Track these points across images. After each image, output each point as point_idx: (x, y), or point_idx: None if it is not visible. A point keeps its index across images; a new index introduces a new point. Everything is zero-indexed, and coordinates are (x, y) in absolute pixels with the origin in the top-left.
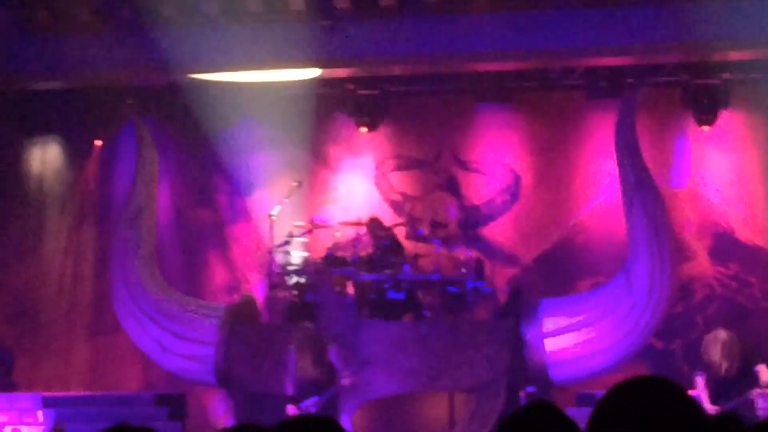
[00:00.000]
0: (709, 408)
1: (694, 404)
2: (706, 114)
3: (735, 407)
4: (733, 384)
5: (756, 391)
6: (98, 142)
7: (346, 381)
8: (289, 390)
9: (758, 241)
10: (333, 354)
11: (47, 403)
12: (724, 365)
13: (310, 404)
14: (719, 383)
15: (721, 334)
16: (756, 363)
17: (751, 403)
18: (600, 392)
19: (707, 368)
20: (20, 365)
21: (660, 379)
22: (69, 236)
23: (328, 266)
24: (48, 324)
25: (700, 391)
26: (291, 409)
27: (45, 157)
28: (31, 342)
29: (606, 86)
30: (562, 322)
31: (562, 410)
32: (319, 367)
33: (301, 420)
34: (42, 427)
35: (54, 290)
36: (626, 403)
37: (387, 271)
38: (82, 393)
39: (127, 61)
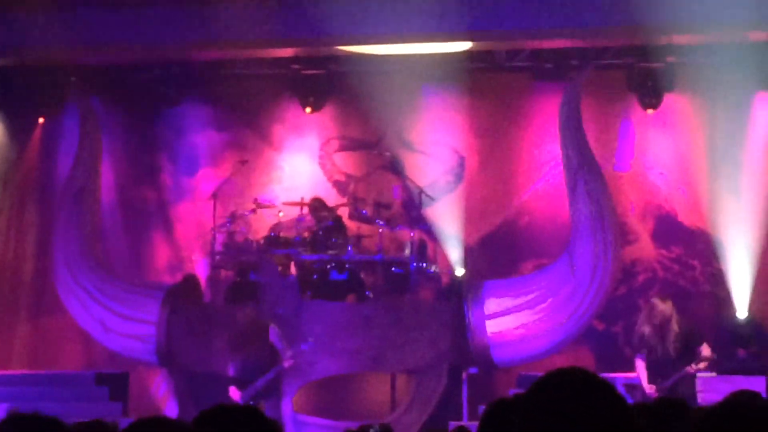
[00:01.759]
0: (647, 388)
1: (617, 398)
2: (651, 97)
3: (674, 385)
4: (673, 363)
5: (692, 367)
6: (41, 120)
7: (288, 362)
8: (231, 371)
9: (701, 224)
10: (274, 335)
11: None
12: (653, 330)
13: (254, 386)
14: (660, 363)
15: (656, 305)
16: (698, 344)
17: (689, 379)
18: (542, 374)
19: (640, 342)
20: None
21: (583, 371)
22: (10, 214)
23: (271, 246)
24: None
25: (639, 372)
26: (233, 391)
27: None
28: None
29: (551, 68)
30: (505, 303)
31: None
32: (261, 348)
33: (223, 410)
34: None
35: None
36: (550, 399)
37: (330, 252)
38: (23, 372)
39: (72, 39)
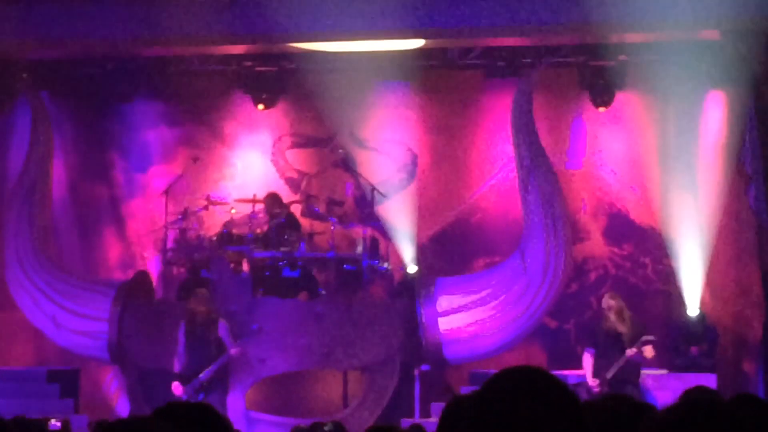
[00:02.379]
0: (590, 381)
1: (569, 395)
2: (602, 95)
3: (616, 373)
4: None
5: (631, 351)
6: None
7: (234, 350)
8: (176, 366)
9: (652, 222)
10: (222, 329)
11: None
12: (621, 328)
13: (198, 380)
14: (607, 357)
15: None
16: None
17: (633, 366)
18: (494, 371)
19: (591, 336)
20: None
21: (535, 369)
22: None
23: (224, 243)
24: None
25: (585, 366)
26: (175, 386)
27: None
28: None
29: (504, 66)
30: (457, 300)
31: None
32: (207, 343)
33: (176, 406)
34: None
35: None
36: (501, 398)
37: (282, 249)
38: None
39: (23, 34)
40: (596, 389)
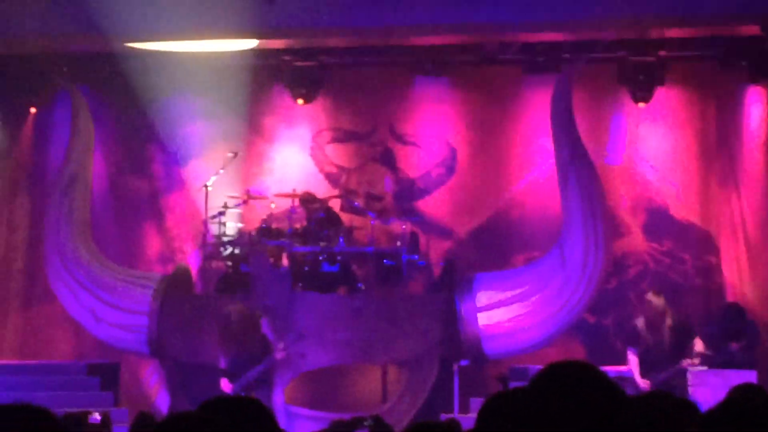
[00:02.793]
0: (640, 382)
1: (616, 389)
2: (642, 91)
3: (667, 379)
4: (667, 357)
5: (686, 362)
6: (33, 110)
7: (279, 354)
8: (222, 363)
9: (692, 218)
10: (266, 326)
11: None
12: (664, 327)
13: (245, 378)
14: (653, 357)
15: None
16: (691, 338)
17: (683, 374)
18: (533, 366)
19: (633, 336)
20: None
21: (584, 364)
22: (2, 204)
23: (263, 238)
24: None
25: (632, 366)
26: (224, 383)
27: None
28: None
29: (543, 61)
30: (496, 296)
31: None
32: (253, 340)
33: (225, 401)
34: None
35: None
36: (552, 389)
37: (322, 244)
38: (14, 361)
39: (63, 28)
40: (647, 389)
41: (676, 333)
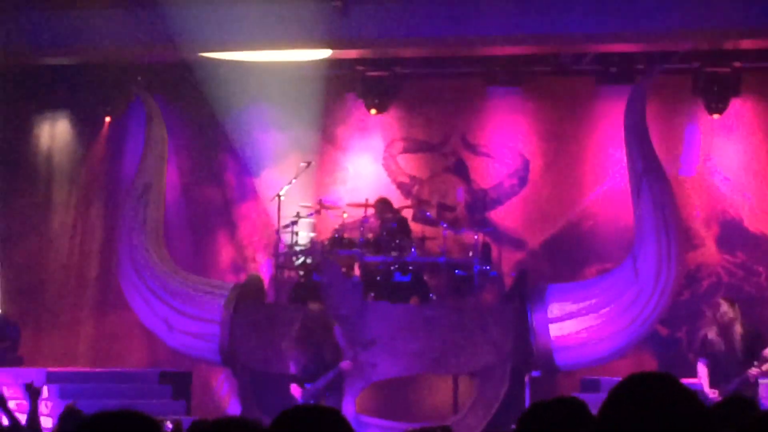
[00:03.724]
0: (709, 392)
1: (698, 402)
2: (717, 102)
3: (736, 388)
4: (738, 367)
5: (754, 370)
6: (107, 119)
7: (345, 365)
8: (293, 370)
9: (766, 230)
10: (338, 334)
11: (52, 379)
12: (735, 337)
13: (315, 385)
14: (723, 366)
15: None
16: (763, 347)
17: (751, 383)
18: (605, 378)
19: (704, 345)
20: (27, 340)
21: (664, 375)
22: (76, 212)
23: (335, 247)
24: (55, 299)
25: (701, 377)
26: (295, 390)
27: (54, 133)
28: (38, 317)
29: (616, 72)
30: (569, 307)
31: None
32: (325, 347)
33: (304, 410)
34: (49, 403)
35: (61, 266)
36: (631, 402)
37: (394, 254)
38: (87, 369)
39: (138, 38)
40: (717, 400)
41: (747, 341)
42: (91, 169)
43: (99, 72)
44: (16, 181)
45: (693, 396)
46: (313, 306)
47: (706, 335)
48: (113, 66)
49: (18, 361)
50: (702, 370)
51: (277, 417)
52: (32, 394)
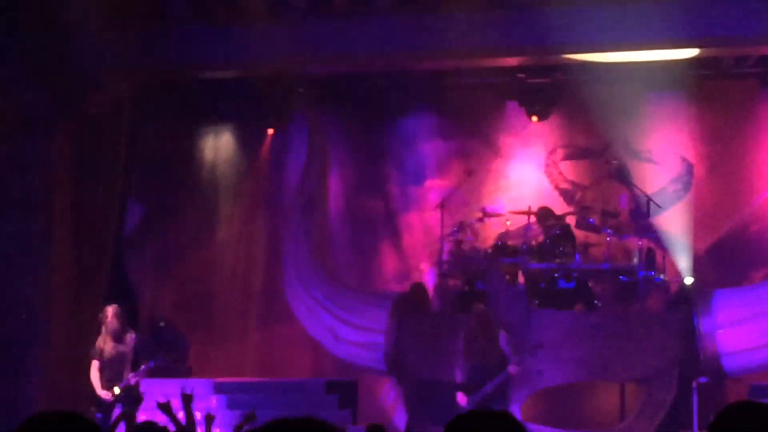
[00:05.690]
0: None
1: None
2: None
3: None
4: None
5: None
6: (270, 131)
7: (512, 369)
8: (459, 378)
9: None
10: (503, 341)
11: (220, 389)
12: None
13: (482, 391)
14: None
15: None
16: None
17: None
18: None
19: None
20: (195, 351)
21: None
22: (241, 224)
23: (499, 255)
24: (222, 311)
25: None
26: (461, 396)
27: (218, 146)
28: (206, 328)
29: None
30: (736, 312)
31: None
32: (491, 354)
33: (478, 414)
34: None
35: (227, 277)
36: None
37: (557, 261)
38: (255, 379)
39: (298, 51)
40: None
41: None
42: (255, 180)
43: (261, 85)
44: (182, 195)
45: None
46: (479, 306)
47: None
48: (275, 78)
49: (187, 372)
50: None
51: (450, 422)
52: (185, 400)
